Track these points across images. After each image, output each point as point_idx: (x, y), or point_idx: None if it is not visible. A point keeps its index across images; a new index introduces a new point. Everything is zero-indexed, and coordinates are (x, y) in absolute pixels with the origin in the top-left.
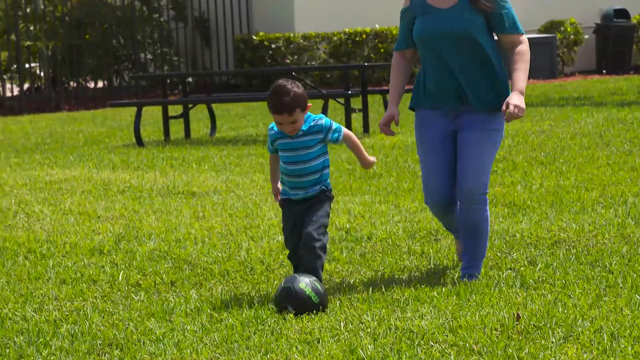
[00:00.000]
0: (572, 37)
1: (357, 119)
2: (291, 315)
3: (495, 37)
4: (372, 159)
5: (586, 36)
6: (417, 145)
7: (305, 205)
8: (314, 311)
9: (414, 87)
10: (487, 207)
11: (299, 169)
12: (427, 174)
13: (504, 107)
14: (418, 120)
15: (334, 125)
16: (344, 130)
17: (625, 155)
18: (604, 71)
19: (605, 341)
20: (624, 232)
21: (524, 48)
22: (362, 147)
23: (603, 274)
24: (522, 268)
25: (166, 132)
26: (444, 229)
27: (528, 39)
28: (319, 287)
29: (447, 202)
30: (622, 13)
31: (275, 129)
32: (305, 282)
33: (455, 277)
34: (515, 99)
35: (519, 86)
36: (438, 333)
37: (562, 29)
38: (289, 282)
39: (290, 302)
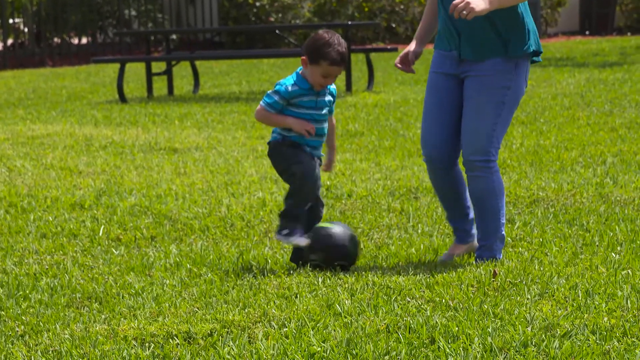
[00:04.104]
0: None
1: (339, 77)
2: (270, 270)
3: None
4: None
5: None
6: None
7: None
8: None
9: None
10: (494, 177)
11: (323, 129)
12: (424, 120)
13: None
14: (432, 61)
15: None
16: None
17: (606, 116)
18: (587, 32)
19: (580, 298)
20: (602, 192)
21: None
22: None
23: (580, 232)
24: None
25: (149, 88)
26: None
27: None
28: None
29: (442, 159)
30: None
31: (299, 84)
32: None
33: (434, 233)
34: None
35: None
36: (415, 289)
37: None
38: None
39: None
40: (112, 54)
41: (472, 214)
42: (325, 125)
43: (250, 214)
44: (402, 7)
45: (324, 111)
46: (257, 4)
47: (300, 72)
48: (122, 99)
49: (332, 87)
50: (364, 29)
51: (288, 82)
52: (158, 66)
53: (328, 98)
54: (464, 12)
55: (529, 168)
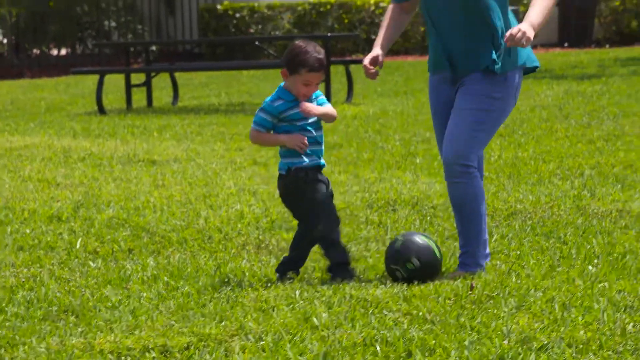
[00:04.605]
0: None
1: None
2: (247, 283)
3: None
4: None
5: None
6: None
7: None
8: (435, 267)
9: (429, 50)
10: (473, 182)
11: (321, 136)
12: (439, 147)
13: (507, 32)
14: (429, 85)
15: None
16: None
17: (584, 128)
18: (566, 44)
19: (557, 311)
20: (579, 204)
21: None
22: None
23: (557, 245)
24: None
25: (128, 100)
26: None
27: None
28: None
29: None
30: None
31: (283, 97)
32: (425, 235)
33: None
34: (523, 26)
35: (530, 19)
36: (392, 302)
37: (525, 1)
38: (409, 236)
39: (414, 253)
40: (91, 65)
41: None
42: (320, 132)
43: (228, 226)
44: (381, 18)
45: (314, 119)
46: (237, 15)
47: (283, 85)
48: (101, 110)
49: (316, 93)
50: (343, 41)
51: (271, 98)
52: (137, 77)
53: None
54: (523, 41)
55: (506, 180)
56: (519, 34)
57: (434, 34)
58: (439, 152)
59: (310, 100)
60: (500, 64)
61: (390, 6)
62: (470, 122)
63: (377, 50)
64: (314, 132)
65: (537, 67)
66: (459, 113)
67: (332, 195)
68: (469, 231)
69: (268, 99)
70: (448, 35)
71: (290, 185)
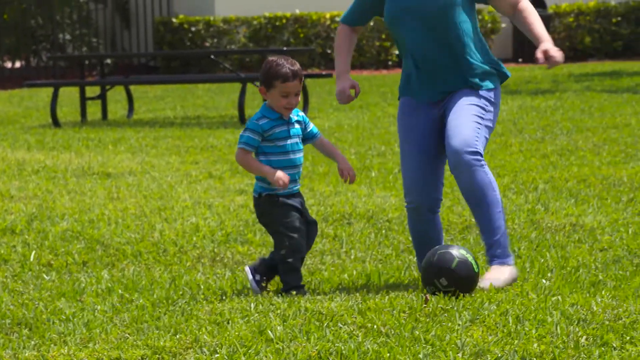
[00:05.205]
0: (489, 25)
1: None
2: (202, 296)
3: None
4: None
5: (503, 25)
6: (399, 137)
7: (300, 199)
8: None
9: (401, 73)
10: (484, 170)
11: (300, 158)
12: (405, 168)
13: (539, 54)
14: (400, 109)
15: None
16: None
17: (538, 143)
18: (520, 60)
19: (511, 324)
20: (533, 218)
21: (525, 4)
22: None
23: None
24: None
25: (83, 113)
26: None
27: None
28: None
29: (430, 204)
30: (539, 3)
31: (268, 115)
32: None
33: (367, 259)
34: (552, 46)
35: (546, 36)
36: (347, 315)
37: (479, 17)
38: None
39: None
40: (46, 78)
41: None
42: (301, 155)
43: (183, 239)
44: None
45: (298, 140)
46: (193, 28)
47: (266, 104)
48: (56, 123)
49: (300, 114)
50: (299, 55)
51: (255, 117)
52: (92, 90)
53: (297, 127)
54: (559, 59)
55: (460, 194)
56: (558, 54)
57: (412, 65)
58: (404, 176)
59: (291, 121)
60: (483, 84)
61: (342, 28)
62: (473, 115)
63: (351, 81)
64: (292, 155)
65: (508, 76)
66: (459, 109)
67: (304, 219)
68: (492, 220)
69: (253, 118)
70: (430, 69)
71: (261, 207)
